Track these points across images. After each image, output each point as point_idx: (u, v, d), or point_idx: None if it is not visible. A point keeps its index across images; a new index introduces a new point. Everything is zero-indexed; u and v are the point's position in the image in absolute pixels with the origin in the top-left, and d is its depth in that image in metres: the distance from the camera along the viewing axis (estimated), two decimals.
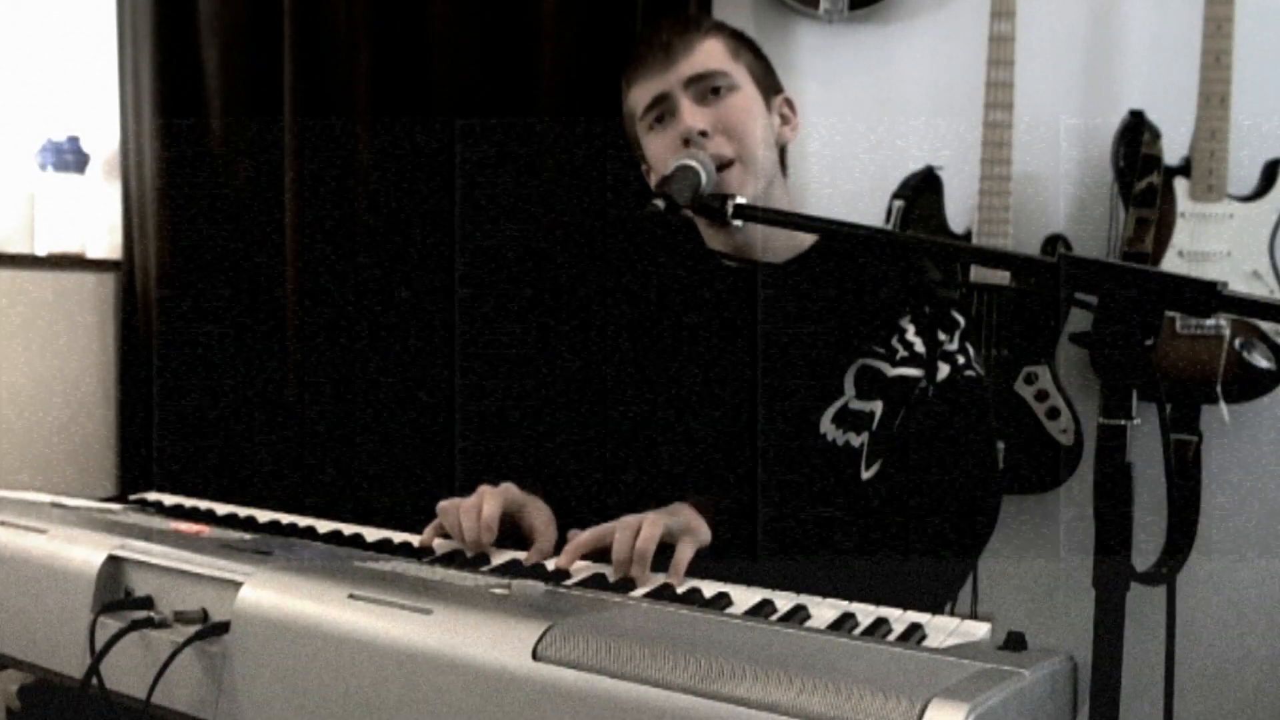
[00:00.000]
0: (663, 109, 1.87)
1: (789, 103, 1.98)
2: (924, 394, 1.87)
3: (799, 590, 1.55)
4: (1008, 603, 2.51)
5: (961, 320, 1.90)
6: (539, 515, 1.80)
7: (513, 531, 1.79)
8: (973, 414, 1.92)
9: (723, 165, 1.83)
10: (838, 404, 1.87)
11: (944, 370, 1.87)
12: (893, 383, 1.86)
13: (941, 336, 1.89)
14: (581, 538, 1.65)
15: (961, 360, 1.89)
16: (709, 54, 1.90)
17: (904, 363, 1.87)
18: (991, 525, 2.06)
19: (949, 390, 1.89)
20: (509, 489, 1.80)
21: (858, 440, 1.86)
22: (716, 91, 1.88)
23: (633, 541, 1.57)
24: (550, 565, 1.66)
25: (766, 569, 1.66)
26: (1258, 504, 2.58)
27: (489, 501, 1.73)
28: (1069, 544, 2.58)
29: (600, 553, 1.64)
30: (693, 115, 1.84)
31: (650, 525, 1.58)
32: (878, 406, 1.86)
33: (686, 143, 1.85)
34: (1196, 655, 2.55)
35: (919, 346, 1.87)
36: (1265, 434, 2.52)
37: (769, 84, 1.96)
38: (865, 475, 1.86)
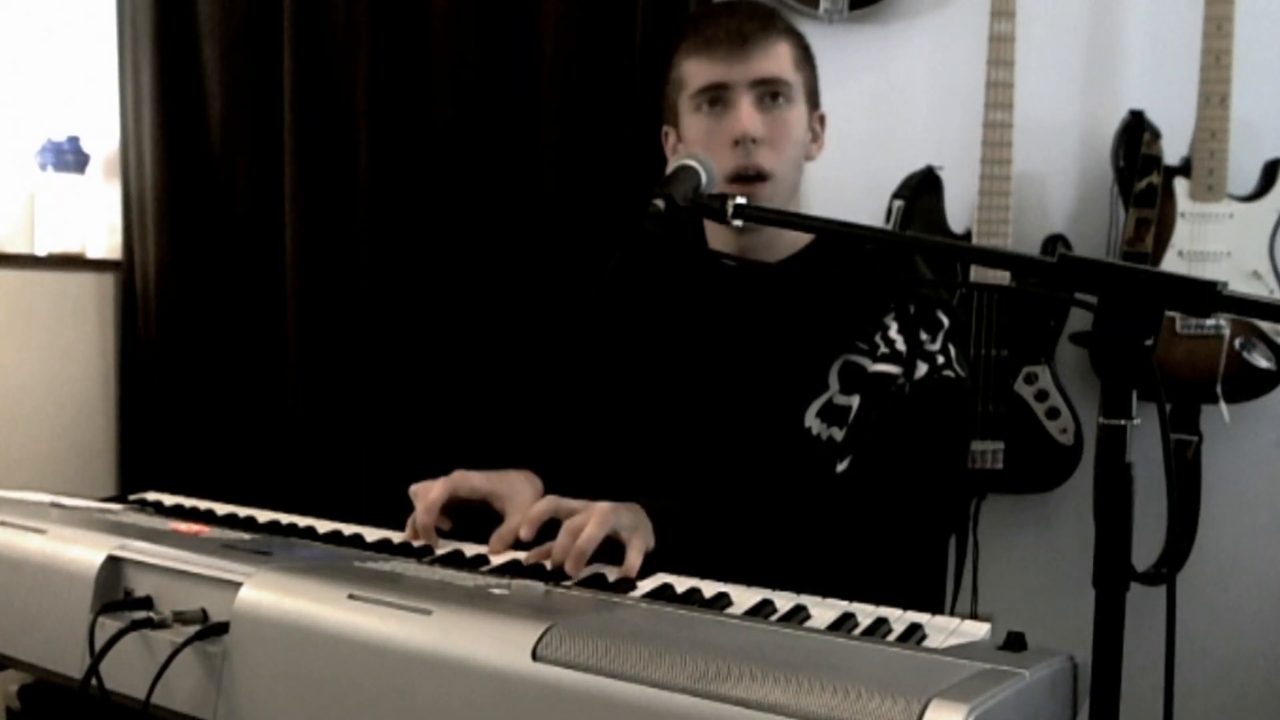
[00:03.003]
0: (718, 96, 1.87)
1: (822, 119, 1.98)
2: (900, 391, 1.88)
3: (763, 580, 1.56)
4: (1008, 603, 2.54)
5: (946, 321, 1.90)
6: (511, 501, 1.83)
7: (486, 516, 1.80)
8: (944, 415, 1.93)
9: (758, 177, 1.84)
10: (823, 398, 1.89)
11: (922, 369, 1.88)
12: (871, 378, 1.88)
13: (924, 336, 1.89)
14: (532, 513, 1.69)
15: (941, 360, 1.90)
16: (780, 59, 1.89)
17: (884, 359, 1.88)
18: (951, 526, 2.09)
19: (923, 389, 1.89)
20: (468, 476, 1.83)
21: (841, 434, 1.88)
22: (775, 99, 1.88)
23: (573, 543, 1.60)
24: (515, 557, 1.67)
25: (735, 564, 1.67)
26: (1258, 504, 2.57)
27: (438, 487, 1.77)
28: (1069, 544, 2.58)
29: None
30: (752, 119, 1.84)
31: (595, 526, 1.59)
32: (854, 402, 1.88)
33: (737, 143, 1.84)
34: (1196, 655, 2.56)
35: (900, 344, 1.89)
36: (1265, 434, 2.52)
37: (814, 100, 1.97)
38: (839, 468, 1.88)
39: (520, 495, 1.83)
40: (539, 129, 2.66)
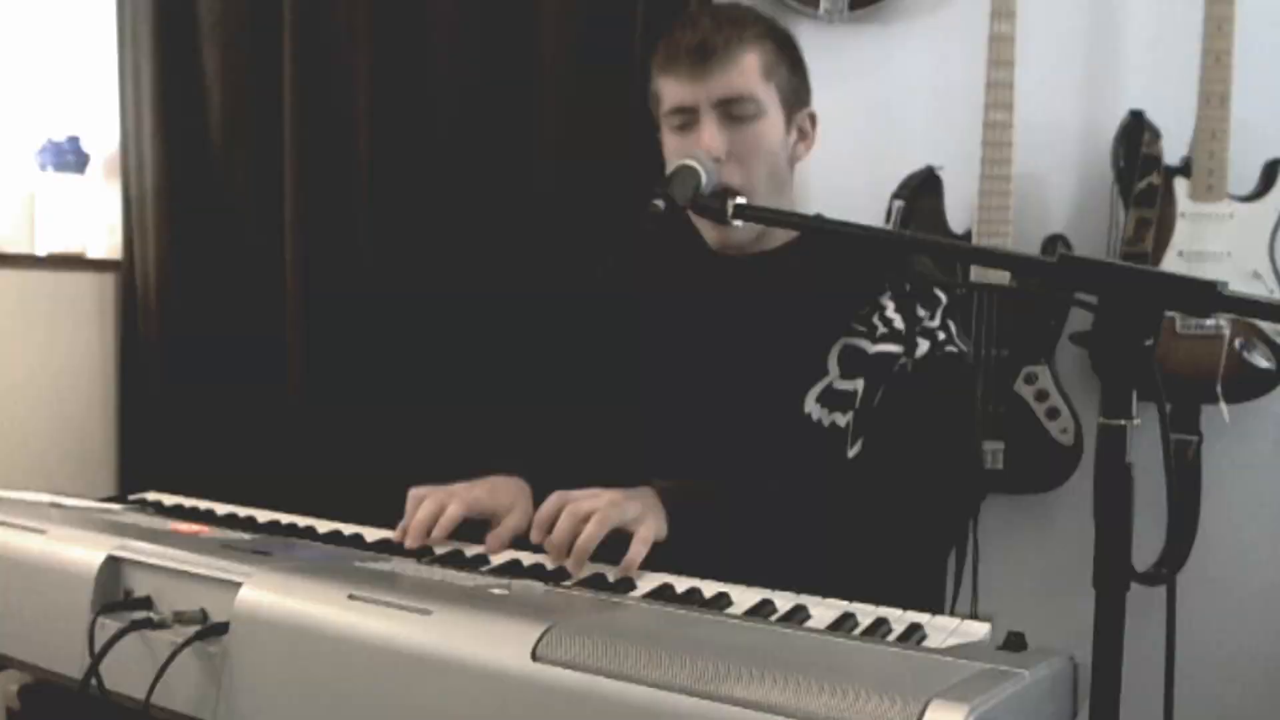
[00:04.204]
0: (686, 119, 1.89)
1: (812, 117, 1.99)
2: (903, 370, 1.89)
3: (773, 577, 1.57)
4: (1008, 603, 2.51)
5: (943, 297, 1.93)
6: (511, 513, 1.86)
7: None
8: (951, 389, 1.94)
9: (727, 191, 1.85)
10: (822, 384, 1.91)
11: (924, 346, 1.89)
12: (873, 360, 1.89)
13: (922, 313, 1.91)
14: (541, 515, 1.71)
15: (942, 336, 1.92)
16: (744, 74, 1.90)
17: (884, 339, 1.89)
18: (971, 501, 2.13)
19: (927, 366, 1.90)
20: (473, 495, 1.85)
21: (844, 420, 1.89)
22: (740, 116, 1.90)
23: (573, 534, 1.62)
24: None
25: (738, 561, 1.66)
26: (1257, 504, 2.56)
27: (453, 503, 1.80)
28: (1069, 544, 2.56)
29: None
30: (713, 138, 1.86)
31: (596, 525, 1.61)
32: (860, 385, 1.89)
33: None
34: (1196, 655, 2.51)
35: (898, 323, 1.90)
36: (1265, 434, 2.52)
37: (796, 100, 1.97)
38: (851, 453, 1.89)
39: (518, 507, 1.87)
40: (539, 128, 2.68)
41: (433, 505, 1.80)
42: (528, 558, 1.70)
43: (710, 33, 1.91)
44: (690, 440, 1.97)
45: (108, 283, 2.90)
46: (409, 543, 1.79)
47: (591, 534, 1.61)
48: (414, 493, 1.83)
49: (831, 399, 1.92)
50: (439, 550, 1.75)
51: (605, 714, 1.13)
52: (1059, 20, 2.71)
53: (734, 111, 1.89)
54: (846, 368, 1.94)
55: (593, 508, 1.64)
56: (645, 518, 1.67)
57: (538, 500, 1.83)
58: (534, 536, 1.69)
